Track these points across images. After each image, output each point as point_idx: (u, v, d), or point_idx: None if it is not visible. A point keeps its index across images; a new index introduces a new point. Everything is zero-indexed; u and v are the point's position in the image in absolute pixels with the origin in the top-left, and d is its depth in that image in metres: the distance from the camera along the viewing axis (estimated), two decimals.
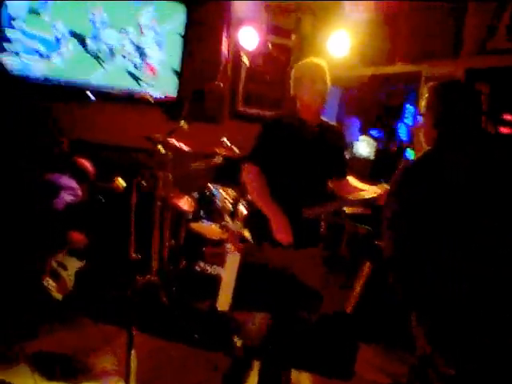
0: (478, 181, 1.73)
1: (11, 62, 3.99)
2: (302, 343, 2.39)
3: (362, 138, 5.33)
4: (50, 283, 3.13)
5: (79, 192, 3.39)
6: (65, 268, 3.25)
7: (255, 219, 2.46)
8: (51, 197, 3.21)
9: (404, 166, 1.82)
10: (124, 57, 4.54)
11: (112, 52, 4.47)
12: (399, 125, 4.87)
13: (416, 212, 1.72)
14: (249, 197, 2.57)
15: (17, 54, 3.99)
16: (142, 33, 4.57)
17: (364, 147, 5.26)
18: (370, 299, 2.20)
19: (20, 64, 4.02)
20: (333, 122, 2.72)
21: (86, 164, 3.59)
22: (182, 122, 3.39)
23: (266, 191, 2.40)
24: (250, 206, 2.66)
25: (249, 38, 4.69)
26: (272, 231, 2.28)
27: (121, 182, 3.49)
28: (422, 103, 1.95)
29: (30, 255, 3.08)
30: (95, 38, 4.35)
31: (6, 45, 3.94)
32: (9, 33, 3.93)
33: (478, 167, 1.75)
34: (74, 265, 3.31)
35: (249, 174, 2.47)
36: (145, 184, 3.27)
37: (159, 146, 3.37)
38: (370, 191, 2.43)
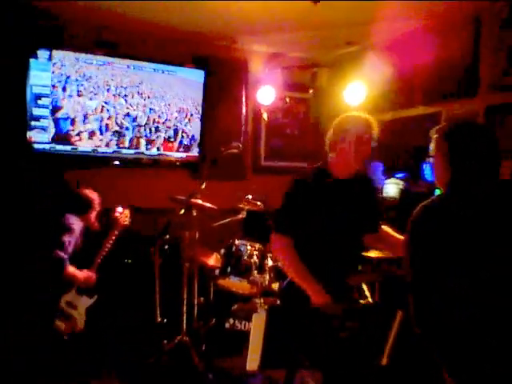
0: (490, 215, 1.72)
1: (39, 139, 4.16)
2: None
3: (389, 180, 5.29)
4: (58, 324, 3.09)
5: (75, 227, 3.35)
6: (74, 307, 3.22)
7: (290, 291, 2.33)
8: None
9: (421, 206, 1.80)
10: (151, 127, 4.72)
11: (137, 124, 4.64)
12: (424, 165, 4.81)
13: (428, 246, 1.72)
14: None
15: (44, 129, 4.18)
16: (165, 99, 4.76)
17: (393, 188, 5.23)
18: (405, 349, 2.11)
19: (47, 139, 4.19)
20: (365, 172, 2.50)
21: (90, 194, 3.56)
22: (203, 185, 3.43)
23: (299, 265, 2.23)
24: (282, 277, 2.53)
25: (267, 95, 4.82)
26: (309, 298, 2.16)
27: (125, 214, 3.48)
28: (431, 145, 1.94)
29: (40, 301, 3.07)
30: (120, 112, 4.54)
31: (33, 123, 4.13)
32: (35, 111, 4.14)
33: (492, 203, 1.75)
34: (83, 303, 3.28)
35: (279, 248, 2.32)
36: (166, 247, 3.28)
37: (183, 207, 3.40)
38: None
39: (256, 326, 1.93)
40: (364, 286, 2.49)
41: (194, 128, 4.90)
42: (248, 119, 5.31)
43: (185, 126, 4.86)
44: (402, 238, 2.44)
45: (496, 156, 1.84)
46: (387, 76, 4.73)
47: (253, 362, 1.96)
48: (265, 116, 5.29)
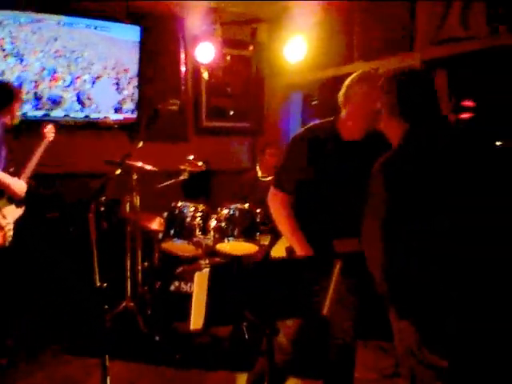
0: (448, 166, 1.73)
1: None
2: None
3: None
4: None
5: None
6: (4, 217, 3.05)
7: None
8: None
9: (382, 159, 1.78)
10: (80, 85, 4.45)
11: (70, 83, 4.37)
12: None
13: (388, 197, 1.72)
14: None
15: None
16: (97, 59, 4.50)
17: None
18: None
19: None
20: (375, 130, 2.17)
21: (10, 84, 3.36)
22: (140, 144, 3.27)
23: (291, 222, 2.26)
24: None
25: (206, 52, 4.66)
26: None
27: (52, 130, 3.38)
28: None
29: None
30: (49, 69, 4.25)
31: None
32: None
33: (449, 153, 1.75)
34: (13, 213, 3.12)
35: (275, 203, 2.32)
36: (102, 209, 3.14)
37: (120, 169, 3.26)
38: None
39: (198, 285, 1.89)
40: None
41: (105, 90, 4.61)
42: (187, 78, 5.13)
43: (91, 88, 4.55)
44: None
45: (439, 104, 1.85)
46: (325, 30, 4.68)
47: (196, 320, 1.94)
48: (205, 75, 5.13)
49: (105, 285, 2.42)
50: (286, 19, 5.02)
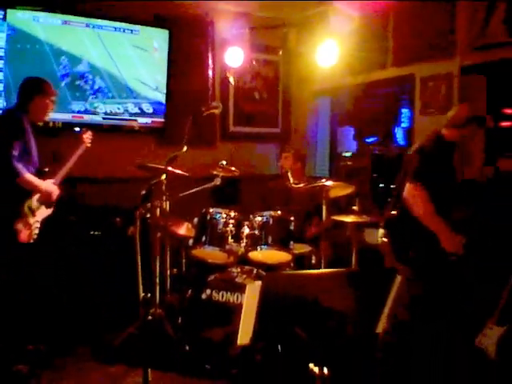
0: None
1: None
2: None
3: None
4: (19, 227, 2.93)
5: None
6: (33, 214, 3.04)
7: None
8: None
9: None
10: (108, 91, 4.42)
11: (96, 86, 4.35)
12: (396, 129, 4.76)
13: None
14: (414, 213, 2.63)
15: None
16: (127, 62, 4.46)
17: None
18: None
19: (2, 103, 3.86)
20: None
21: None
22: (185, 148, 3.18)
23: (435, 212, 2.56)
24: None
25: (234, 57, 4.58)
26: (440, 244, 2.54)
27: (89, 136, 3.42)
28: None
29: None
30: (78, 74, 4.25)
31: None
32: None
33: None
34: (41, 212, 3.11)
35: (419, 195, 2.59)
36: (149, 216, 3.06)
37: (156, 175, 3.17)
38: None
39: (250, 297, 1.80)
40: None
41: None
42: (215, 83, 5.06)
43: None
44: None
45: None
46: (358, 35, 4.58)
47: (245, 335, 1.84)
48: (231, 79, 5.05)
49: (149, 295, 2.34)
50: (315, 24, 4.94)
